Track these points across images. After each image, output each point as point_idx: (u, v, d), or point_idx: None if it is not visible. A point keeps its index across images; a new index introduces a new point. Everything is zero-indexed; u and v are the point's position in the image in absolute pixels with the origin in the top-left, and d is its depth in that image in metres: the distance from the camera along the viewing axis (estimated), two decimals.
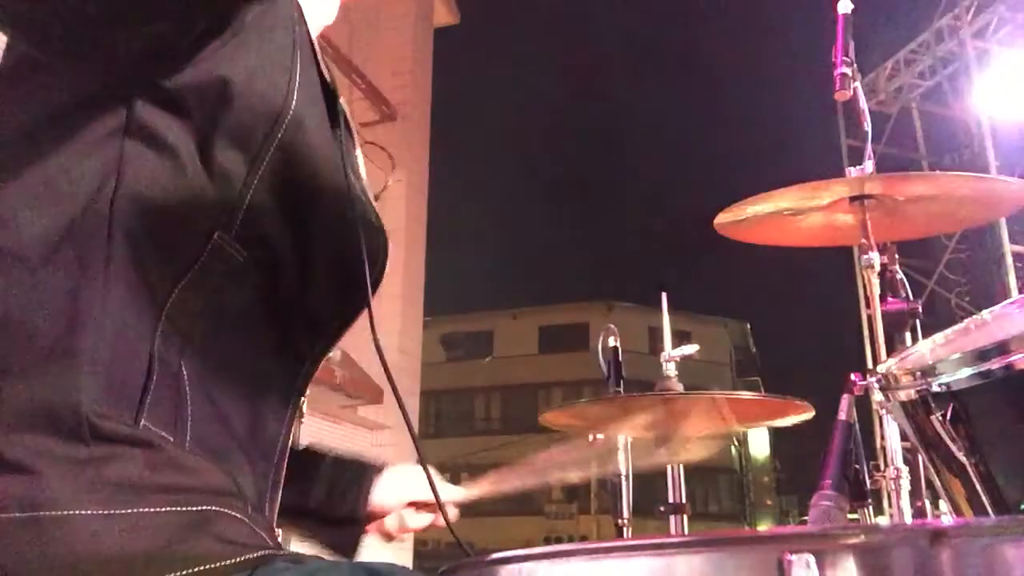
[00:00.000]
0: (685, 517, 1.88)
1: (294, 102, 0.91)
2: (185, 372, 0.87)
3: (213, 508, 0.82)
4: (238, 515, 0.84)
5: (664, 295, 2.10)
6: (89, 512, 0.76)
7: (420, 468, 1.15)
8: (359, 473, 1.26)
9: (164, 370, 0.85)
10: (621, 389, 2.05)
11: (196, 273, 0.87)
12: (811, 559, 0.52)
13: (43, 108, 0.87)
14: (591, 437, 2.12)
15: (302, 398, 1.04)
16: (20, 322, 0.80)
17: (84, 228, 0.83)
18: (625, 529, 2.02)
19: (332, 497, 1.22)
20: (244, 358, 0.95)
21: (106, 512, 0.76)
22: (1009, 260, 9.18)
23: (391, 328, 7.52)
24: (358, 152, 1.08)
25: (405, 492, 1.27)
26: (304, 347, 1.02)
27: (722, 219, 2.00)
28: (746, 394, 1.99)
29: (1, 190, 0.84)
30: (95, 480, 0.77)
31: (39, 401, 0.78)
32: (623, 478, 2.04)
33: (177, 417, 0.86)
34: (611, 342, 2.08)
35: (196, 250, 0.87)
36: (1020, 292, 8.49)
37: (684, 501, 1.88)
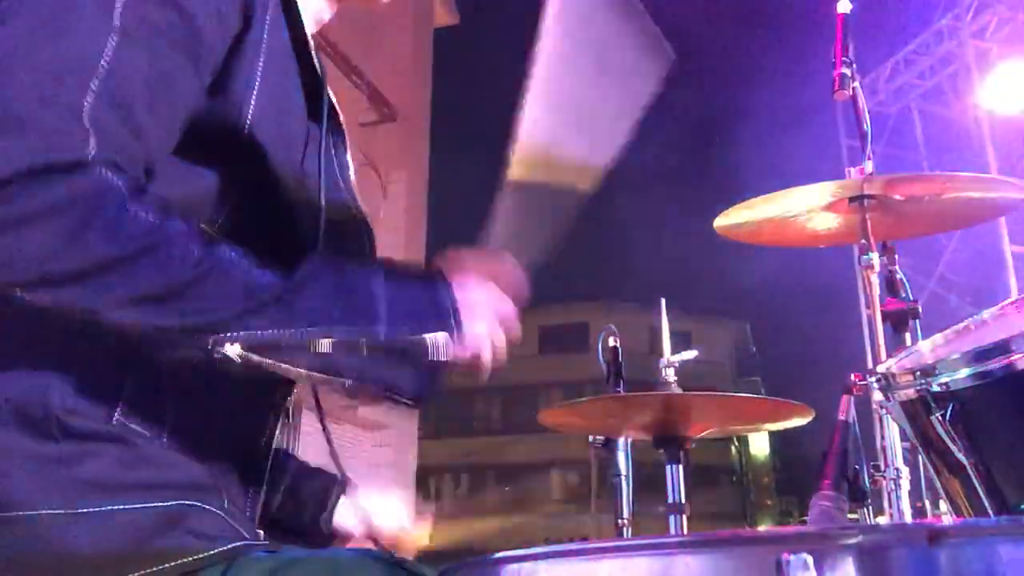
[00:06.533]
0: (685, 517, 1.88)
1: (251, 112, 0.89)
2: (164, 369, 0.87)
3: (187, 503, 0.82)
4: (214, 509, 0.84)
5: (663, 300, 2.09)
6: (59, 511, 0.75)
7: (388, 499, 1.24)
8: (322, 486, 1.20)
9: (141, 367, 0.85)
10: (621, 390, 2.05)
11: None
12: (809, 559, 0.52)
13: None
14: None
15: (288, 397, 1.04)
16: None
17: None
18: (625, 529, 2.01)
19: (293, 504, 1.17)
20: None
21: (76, 511, 0.76)
22: (1009, 260, 9.18)
23: None
24: (348, 154, 1.07)
25: (369, 526, 1.22)
26: None
27: (722, 221, 2.00)
28: (746, 396, 2.00)
29: None
30: (65, 478, 0.77)
31: (9, 399, 0.78)
32: (623, 478, 2.03)
33: (155, 414, 0.85)
34: (611, 342, 2.07)
35: None
36: (1020, 292, 8.49)
37: (684, 501, 1.87)
